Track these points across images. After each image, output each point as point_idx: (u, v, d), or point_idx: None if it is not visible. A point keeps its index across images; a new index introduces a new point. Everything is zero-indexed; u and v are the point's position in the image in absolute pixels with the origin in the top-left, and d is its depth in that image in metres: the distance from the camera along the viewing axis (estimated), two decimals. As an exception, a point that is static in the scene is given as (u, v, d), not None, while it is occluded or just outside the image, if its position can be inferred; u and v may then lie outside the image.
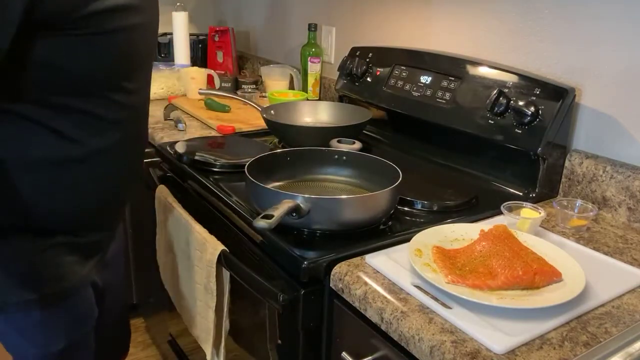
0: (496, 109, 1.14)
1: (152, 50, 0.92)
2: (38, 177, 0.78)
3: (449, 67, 1.30)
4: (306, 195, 0.88)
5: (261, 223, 0.82)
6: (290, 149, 1.13)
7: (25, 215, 0.80)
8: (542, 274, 0.78)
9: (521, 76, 1.16)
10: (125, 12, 0.75)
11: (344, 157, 1.13)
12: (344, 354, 0.84)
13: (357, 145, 1.25)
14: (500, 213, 0.99)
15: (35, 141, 0.76)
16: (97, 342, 0.97)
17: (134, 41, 0.80)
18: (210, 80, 2.01)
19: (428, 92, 1.32)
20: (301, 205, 0.88)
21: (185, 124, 1.56)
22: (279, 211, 0.85)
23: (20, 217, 0.80)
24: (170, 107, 1.65)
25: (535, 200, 1.12)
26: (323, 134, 1.33)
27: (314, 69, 1.83)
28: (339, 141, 1.26)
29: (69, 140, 0.78)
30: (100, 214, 0.89)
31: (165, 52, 2.23)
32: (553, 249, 0.86)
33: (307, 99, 1.75)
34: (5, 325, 0.83)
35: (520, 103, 1.10)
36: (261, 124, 1.51)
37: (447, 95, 1.27)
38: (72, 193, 0.82)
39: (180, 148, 1.30)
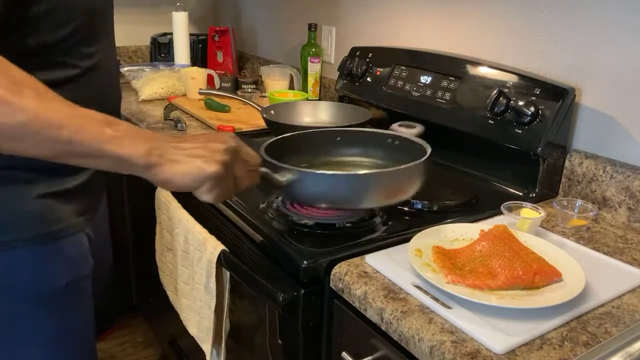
0: (496, 109, 1.14)
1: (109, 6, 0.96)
2: None
3: (449, 67, 1.30)
4: (284, 165, 0.87)
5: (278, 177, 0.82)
6: (342, 128, 1.11)
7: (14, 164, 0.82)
8: (542, 274, 0.78)
9: (521, 76, 1.16)
10: None
11: (397, 142, 1.07)
12: (344, 354, 0.84)
13: (419, 128, 1.20)
14: (500, 213, 0.99)
15: None
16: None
17: None
18: (210, 80, 2.01)
19: (428, 92, 1.32)
20: (276, 175, 0.87)
21: (185, 124, 1.56)
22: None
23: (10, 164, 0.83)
24: (170, 107, 1.65)
25: (535, 200, 1.12)
26: (323, 134, 1.33)
27: (314, 69, 1.82)
28: (400, 125, 1.22)
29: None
30: None
31: (165, 52, 2.23)
32: (553, 249, 0.86)
33: (307, 99, 1.75)
34: (7, 263, 0.84)
35: (520, 103, 1.10)
36: (261, 124, 1.51)
37: (447, 95, 1.27)
38: None
39: (180, 148, 1.30)
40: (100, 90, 0.92)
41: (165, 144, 0.70)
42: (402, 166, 0.90)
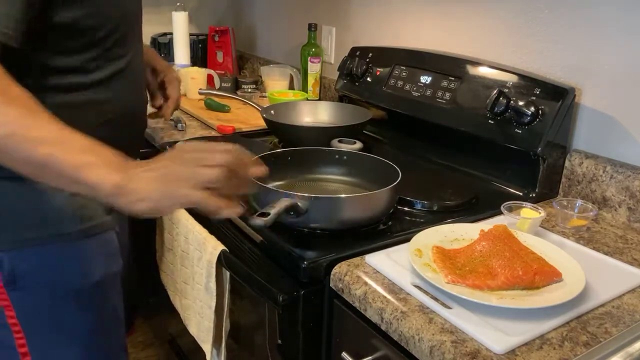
0: (496, 109, 1.14)
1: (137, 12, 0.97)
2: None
3: (449, 67, 1.30)
4: (305, 194, 0.88)
5: (257, 221, 0.82)
6: (290, 149, 1.13)
7: None
8: (542, 274, 0.78)
9: (521, 76, 1.16)
10: None
11: (345, 157, 1.14)
12: (344, 354, 0.84)
13: (358, 145, 1.25)
14: (500, 213, 0.99)
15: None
16: None
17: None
18: (210, 80, 2.01)
19: (428, 92, 1.32)
20: (299, 204, 0.88)
21: (185, 124, 1.56)
22: (275, 209, 0.85)
23: None
24: (170, 107, 1.65)
25: (535, 200, 1.12)
26: (323, 134, 1.33)
27: (314, 69, 1.82)
28: (340, 141, 1.26)
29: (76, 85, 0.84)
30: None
31: (165, 52, 2.23)
32: (553, 249, 0.86)
33: (307, 99, 1.75)
34: (43, 259, 0.85)
35: (520, 103, 1.10)
36: (261, 124, 1.51)
37: (447, 95, 1.27)
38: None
39: (180, 148, 1.30)
40: (128, 91, 0.94)
41: (139, 174, 0.68)
42: (389, 187, 0.95)
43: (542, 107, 1.09)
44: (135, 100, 0.98)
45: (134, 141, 1.02)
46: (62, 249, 0.86)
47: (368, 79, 1.50)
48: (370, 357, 0.81)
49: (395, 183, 0.96)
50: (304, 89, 1.86)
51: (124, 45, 0.90)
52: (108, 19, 0.84)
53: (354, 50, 1.58)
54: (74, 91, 0.84)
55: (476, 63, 1.25)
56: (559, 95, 1.09)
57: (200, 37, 2.30)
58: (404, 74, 1.40)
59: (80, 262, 0.89)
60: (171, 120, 1.60)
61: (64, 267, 0.87)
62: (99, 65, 0.86)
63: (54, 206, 0.85)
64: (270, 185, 1.03)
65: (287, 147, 1.16)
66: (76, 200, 0.86)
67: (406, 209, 1.05)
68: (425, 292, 0.78)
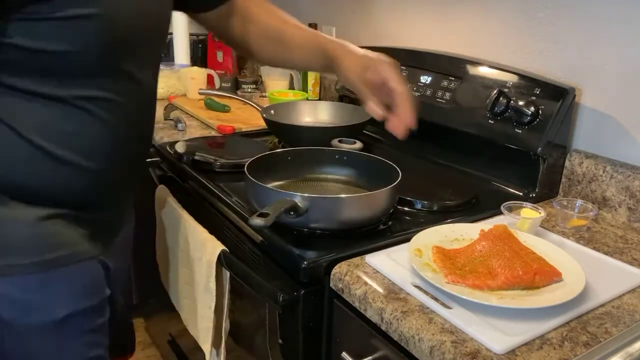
0: (496, 109, 1.14)
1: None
2: (39, 147, 0.77)
3: (449, 67, 1.30)
4: (305, 194, 0.88)
5: (257, 221, 0.82)
6: (290, 149, 1.14)
7: (25, 184, 0.79)
8: (542, 274, 0.78)
9: (521, 76, 1.16)
10: None
11: (345, 157, 1.14)
12: (344, 354, 0.84)
13: (358, 145, 1.25)
14: (500, 213, 0.99)
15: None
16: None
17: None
18: (210, 80, 2.01)
19: (428, 92, 1.32)
20: (299, 204, 0.88)
21: (185, 123, 1.56)
22: (275, 209, 0.85)
23: (22, 185, 0.78)
24: (170, 107, 1.65)
25: (535, 200, 1.12)
26: (323, 134, 1.33)
27: (314, 69, 1.82)
28: (340, 141, 1.26)
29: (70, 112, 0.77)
30: (101, 192, 0.87)
31: (165, 52, 2.23)
32: (553, 249, 0.86)
33: (307, 99, 1.75)
34: (6, 289, 0.79)
35: (520, 103, 1.10)
36: (261, 124, 1.51)
37: (447, 95, 1.27)
38: (71, 166, 0.80)
39: (180, 148, 1.30)
40: (116, 124, 0.83)
41: None
42: (389, 187, 0.94)
43: (542, 107, 1.09)
44: (130, 135, 0.86)
45: (129, 177, 0.92)
46: (22, 281, 0.79)
47: (368, 79, 1.50)
48: (370, 357, 0.81)
49: (395, 183, 0.96)
50: (304, 89, 1.86)
51: (106, 76, 0.78)
52: (72, 45, 0.72)
53: (354, 50, 1.58)
54: (24, 110, 0.75)
55: (476, 63, 1.25)
56: (559, 95, 1.09)
57: (201, 37, 2.30)
58: (404, 74, 1.40)
59: (42, 296, 0.81)
60: (171, 120, 1.60)
61: (22, 300, 0.80)
62: (59, 93, 0.76)
63: (16, 232, 0.79)
64: (270, 185, 1.03)
65: (287, 147, 1.16)
66: (44, 225, 0.80)
67: (406, 209, 1.05)
68: (425, 292, 0.78)
